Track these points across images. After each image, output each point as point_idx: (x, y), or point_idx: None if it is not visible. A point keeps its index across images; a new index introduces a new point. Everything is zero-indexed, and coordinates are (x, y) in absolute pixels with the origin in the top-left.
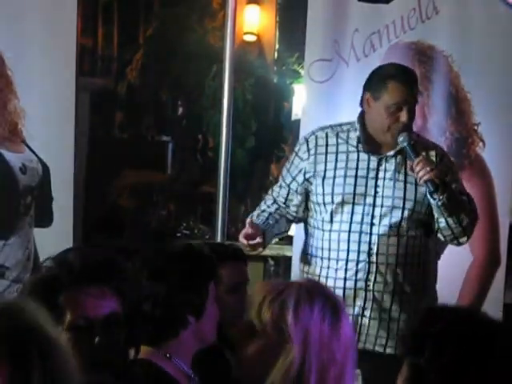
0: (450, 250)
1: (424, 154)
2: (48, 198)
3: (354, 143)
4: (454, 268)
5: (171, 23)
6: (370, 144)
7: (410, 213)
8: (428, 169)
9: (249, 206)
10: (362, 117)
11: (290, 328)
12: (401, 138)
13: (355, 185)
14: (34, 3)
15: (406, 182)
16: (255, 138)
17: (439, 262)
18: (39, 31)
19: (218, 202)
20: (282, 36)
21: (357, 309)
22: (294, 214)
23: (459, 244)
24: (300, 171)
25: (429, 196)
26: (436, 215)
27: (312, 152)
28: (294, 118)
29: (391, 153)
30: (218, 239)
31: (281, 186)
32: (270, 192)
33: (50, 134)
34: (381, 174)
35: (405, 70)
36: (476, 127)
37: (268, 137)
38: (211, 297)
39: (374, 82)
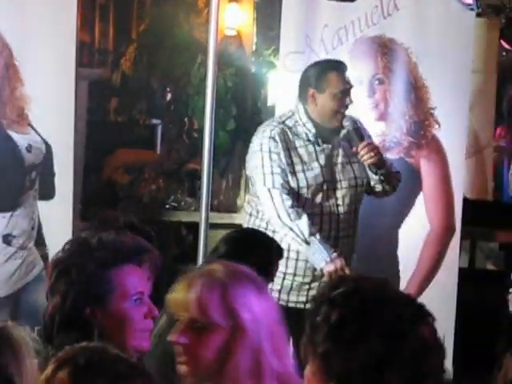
0: (409, 220)
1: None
2: (51, 174)
3: (309, 137)
4: (413, 237)
5: (161, 20)
6: (322, 135)
7: (362, 188)
8: (372, 153)
9: (230, 181)
10: (306, 112)
11: (219, 311)
12: (347, 123)
13: (319, 175)
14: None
15: (353, 162)
16: (235, 121)
17: (400, 232)
18: (43, 27)
19: (203, 178)
20: (259, 31)
21: None
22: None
23: (386, 194)
24: (279, 167)
25: (370, 173)
26: (372, 183)
27: (281, 146)
28: (269, 103)
29: (340, 137)
30: (203, 210)
31: (284, 181)
32: (278, 186)
33: (52, 118)
34: (336, 160)
35: (339, 62)
36: (432, 111)
37: (247, 120)
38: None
39: (316, 78)
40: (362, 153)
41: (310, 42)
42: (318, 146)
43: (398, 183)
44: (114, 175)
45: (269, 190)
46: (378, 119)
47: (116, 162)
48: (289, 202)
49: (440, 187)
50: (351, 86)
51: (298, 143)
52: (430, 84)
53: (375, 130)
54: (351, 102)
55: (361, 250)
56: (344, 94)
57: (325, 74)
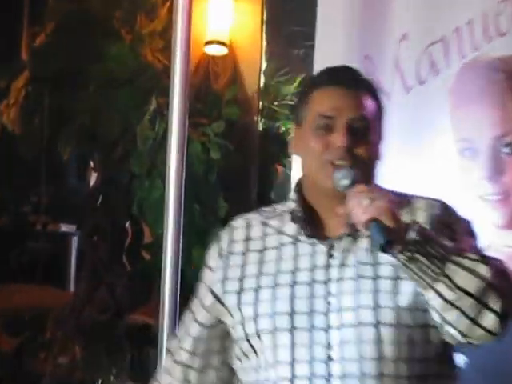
0: None
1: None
2: None
3: (290, 229)
4: None
5: (74, 26)
6: (313, 222)
7: (392, 330)
8: (366, 201)
9: None
10: (298, 184)
11: None
12: (338, 175)
13: (294, 298)
14: None
15: (376, 275)
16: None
17: None
18: None
19: None
20: (272, 48)
21: None
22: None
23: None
24: (208, 291)
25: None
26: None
27: (224, 252)
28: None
29: (344, 231)
30: None
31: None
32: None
33: None
34: (333, 272)
35: (345, 69)
36: None
37: None
38: None
39: (297, 103)
40: (350, 206)
41: (373, 68)
42: (307, 241)
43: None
44: None
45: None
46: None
47: None
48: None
49: None
50: (365, 116)
51: (269, 241)
52: None
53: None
54: (356, 143)
55: None
56: (329, 124)
57: (309, 90)
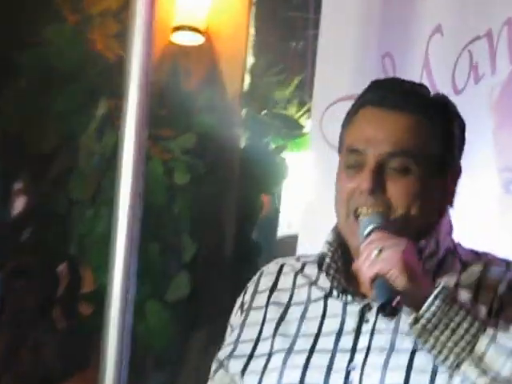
0: None
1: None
2: None
3: (324, 280)
4: None
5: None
6: (349, 274)
7: None
8: (375, 252)
9: None
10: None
11: None
12: (361, 226)
13: (307, 368)
14: None
15: (414, 348)
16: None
17: None
18: None
19: None
20: (261, 37)
21: None
22: None
23: None
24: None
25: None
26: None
27: (246, 306)
28: (289, 231)
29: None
30: None
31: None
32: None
33: None
34: (363, 341)
35: (397, 81)
36: None
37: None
38: None
39: (344, 123)
40: (361, 261)
41: (393, 71)
42: (338, 298)
43: None
44: None
45: None
46: None
47: None
48: None
49: None
50: (412, 152)
51: (298, 295)
52: None
53: None
54: (402, 180)
55: None
56: (360, 161)
57: (355, 110)
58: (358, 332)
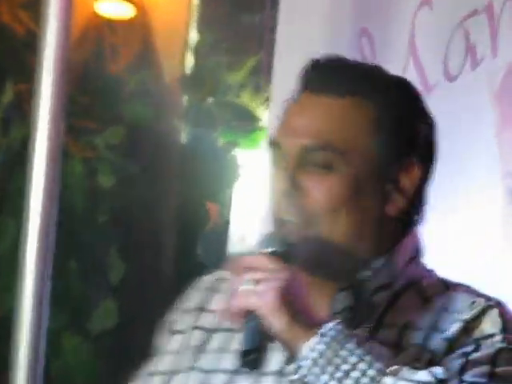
0: None
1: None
2: None
3: None
4: None
5: None
6: None
7: None
8: (249, 283)
9: None
10: None
11: None
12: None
13: None
14: None
15: None
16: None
17: None
18: None
19: None
20: (207, 9)
21: None
22: None
23: None
24: None
25: None
26: None
27: (171, 329)
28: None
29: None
30: None
31: None
32: None
33: None
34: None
35: (333, 58)
36: None
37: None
38: None
39: None
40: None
41: (372, 50)
42: None
43: None
44: None
45: None
46: None
47: None
48: None
49: None
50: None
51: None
52: None
53: None
54: (324, 182)
55: None
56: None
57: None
58: (283, 372)
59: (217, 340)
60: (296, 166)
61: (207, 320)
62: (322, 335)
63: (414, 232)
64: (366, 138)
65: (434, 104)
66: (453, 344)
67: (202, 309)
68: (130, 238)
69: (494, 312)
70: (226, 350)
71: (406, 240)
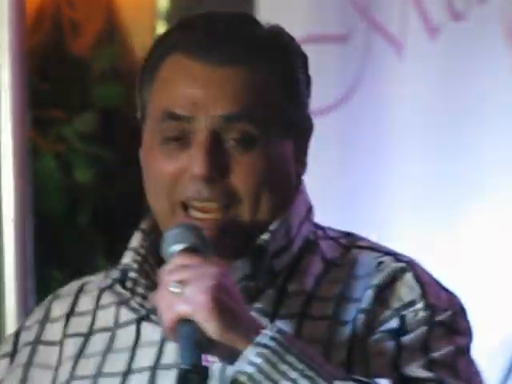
0: None
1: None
2: None
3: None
4: None
5: None
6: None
7: None
8: (176, 288)
9: None
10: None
11: None
12: (169, 236)
13: None
14: None
15: None
16: None
17: None
18: None
19: None
20: None
21: None
22: None
23: None
24: None
25: None
26: None
27: (20, 344)
28: None
29: None
30: None
31: None
32: None
33: None
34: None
35: (224, 18)
36: None
37: None
38: None
39: (139, 82)
40: (159, 291)
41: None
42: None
43: None
44: None
45: None
46: None
47: None
48: None
49: None
50: (251, 111)
51: (100, 320)
52: None
53: None
54: (248, 155)
55: None
56: (182, 133)
57: (152, 63)
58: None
59: (94, 342)
60: (214, 142)
61: (78, 324)
62: (259, 345)
63: (304, 190)
64: (269, 103)
65: (438, 47)
66: (371, 316)
67: (69, 315)
68: (118, 239)
69: (408, 276)
70: (108, 350)
71: (298, 196)
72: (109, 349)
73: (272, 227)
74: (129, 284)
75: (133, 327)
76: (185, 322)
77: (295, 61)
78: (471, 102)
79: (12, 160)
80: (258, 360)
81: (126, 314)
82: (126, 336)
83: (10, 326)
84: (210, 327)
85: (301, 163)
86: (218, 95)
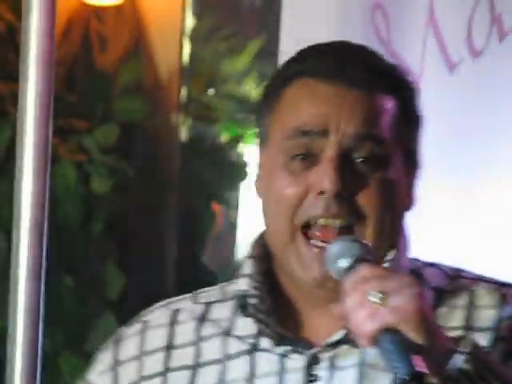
0: None
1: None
2: None
3: (244, 327)
4: None
5: None
6: (285, 317)
7: None
8: (376, 298)
9: None
10: (257, 242)
11: None
12: (332, 252)
13: None
14: None
15: None
16: None
17: None
18: None
19: None
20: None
21: None
22: None
23: None
24: None
25: None
26: None
27: (124, 374)
28: None
29: (337, 335)
30: None
31: None
32: None
33: None
34: None
35: (350, 48)
36: None
37: None
38: None
39: (260, 107)
40: (349, 301)
41: (385, 27)
42: (273, 349)
43: None
44: None
45: None
46: None
47: None
48: None
49: None
50: (375, 130)
51: (208, 346)
52: None
53: None
54: (376, 174)
55: None
56: (312, 149)
57: (274, 88)
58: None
59: (205, 375)
60: (343, 159)
61: (182, 357)
62: (463, 352)
63: (406, 225)
64: (394, 131)
65: (457, 81)
66: (510, 345)
67: (169, 348)
68: (129, 248)
69: None
70: (222, 382)
71: (405, 233)
72: (221, 382)
73: (390, 257)
74: (251, 311)
75: (246, 358)
76: (389, 330)
77: (415, 97)
78: (490, 137)
79: (32, 165)
80: (464, 362)
81: (235, 346)
82: (239, 367)
83: (19, 337)
84: (419, 336)
85: (409, 199)
86: (349, 115)
